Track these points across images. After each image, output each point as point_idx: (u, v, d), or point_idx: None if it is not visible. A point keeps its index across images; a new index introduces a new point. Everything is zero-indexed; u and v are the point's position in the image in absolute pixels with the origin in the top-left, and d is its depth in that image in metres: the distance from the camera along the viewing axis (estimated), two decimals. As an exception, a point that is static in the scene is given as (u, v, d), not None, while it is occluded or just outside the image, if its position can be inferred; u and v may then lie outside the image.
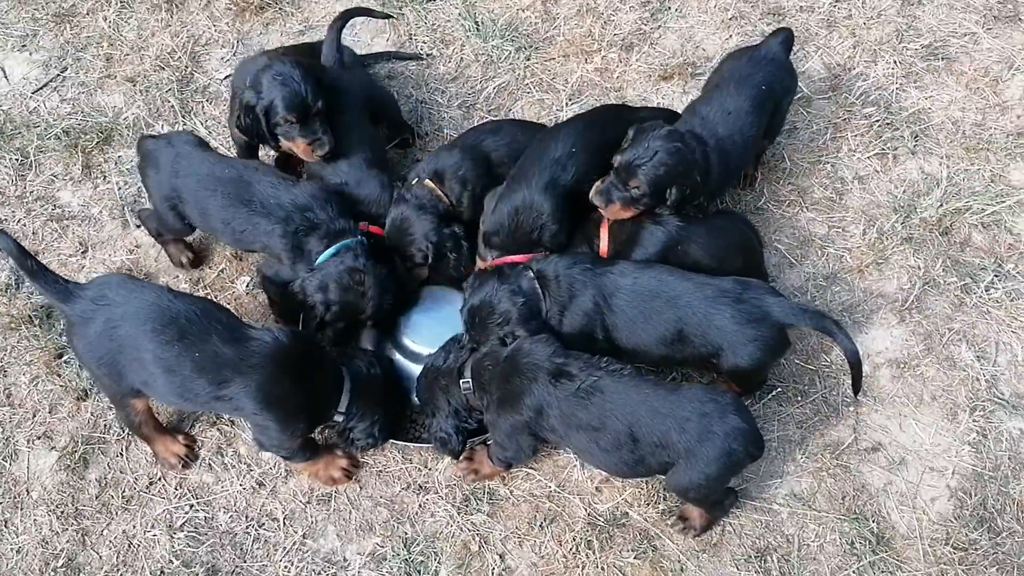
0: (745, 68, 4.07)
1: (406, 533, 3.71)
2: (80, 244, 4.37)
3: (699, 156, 3.78)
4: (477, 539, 3.69)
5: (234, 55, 4.93)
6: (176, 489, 3.81)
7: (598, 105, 4.56)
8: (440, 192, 4.05)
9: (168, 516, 3.76)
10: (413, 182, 4.09)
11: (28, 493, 3.81)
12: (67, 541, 3.71)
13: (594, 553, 3.64)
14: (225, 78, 4.83)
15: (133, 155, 4.32)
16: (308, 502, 3.78)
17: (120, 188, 4.51)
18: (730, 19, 4.96)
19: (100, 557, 3.69)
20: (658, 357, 3.75)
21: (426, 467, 3.84)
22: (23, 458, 3.88)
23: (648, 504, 3.74)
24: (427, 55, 4.91)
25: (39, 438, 3.92)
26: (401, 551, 3.66)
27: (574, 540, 3.66)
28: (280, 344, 3.45)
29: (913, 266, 4.22)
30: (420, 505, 3.77)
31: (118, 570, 3.67)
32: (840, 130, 4.62)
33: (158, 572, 3.66)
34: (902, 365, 4.01)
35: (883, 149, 4.55)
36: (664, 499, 3.73)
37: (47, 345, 4.07)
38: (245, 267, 4.27)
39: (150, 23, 5.03)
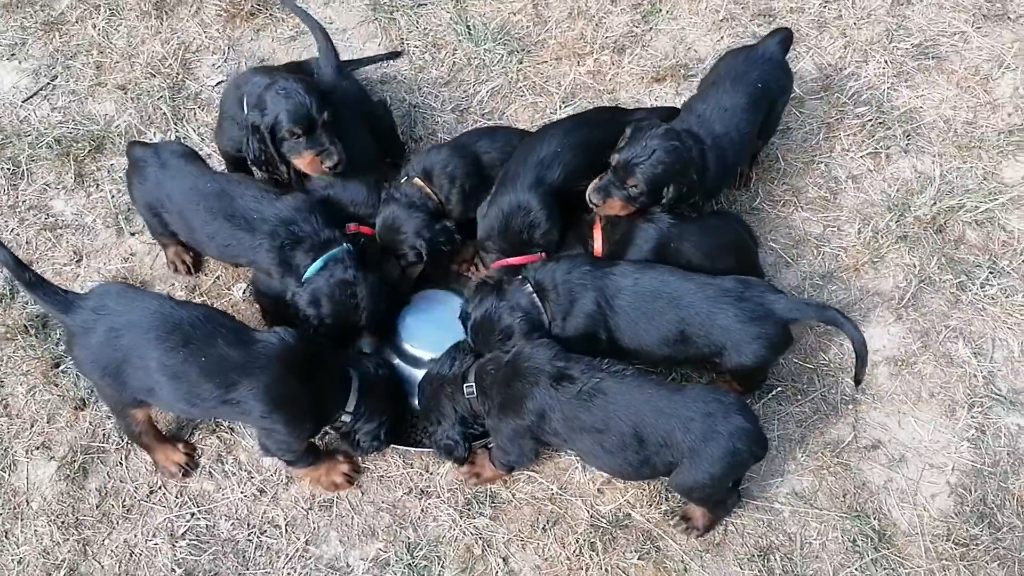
0: (742, 66, 4.10)
1: (409, 538, 3.70)
2: (74, 253, 4.35)
3: (696, 154, 3.80)
4: (480, 543, 3.68)
5: (225, 62, 4.92)
6: (177, 497, 3.79)
7: (587, 108, 4.58)
8: (429, 190, 4.05)
9: (169, 525, 3.74)
10: (402, 181, 4.09)
11: (28, 504, 3.78)
12: (68, 551, 3.68)
13: (597, 555, 3.64)
14: (217, 84, 4.82)
15: (125, 162, 4.29)
16: (310, 508, 3.77)
17: (113, 196, 4.49)
18: (721, 21, 4.98)
19: (102, 567, 3.67)
20: (661, 357, 3.76)
21: (427, 471, 3.83)
22: (22, 468, 3.86)
23: (650, 505, 3.74)
24: (402, 53, 4.91)
25: (38, 448, 3.89)
26: (404, 556, 3.65)
27: (577, 542, 3.66)
28: (286, 345, 3.45)
29: (908, 264, 4.25)
30: (422, 509, 3.76)
31: (120, 580, 3.66)
32: (833, 130, 4.64)
33: (160, 581, 3.65)
34: (900, 363, 4.03)
35: (876, 148, 4.57)
36: (666, 499, 3.74)
37: (44, 355, 4.05)
38: (241, 274, 4.25)
39: (140, 30, 5.01)
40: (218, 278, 4.27)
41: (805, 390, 3.98)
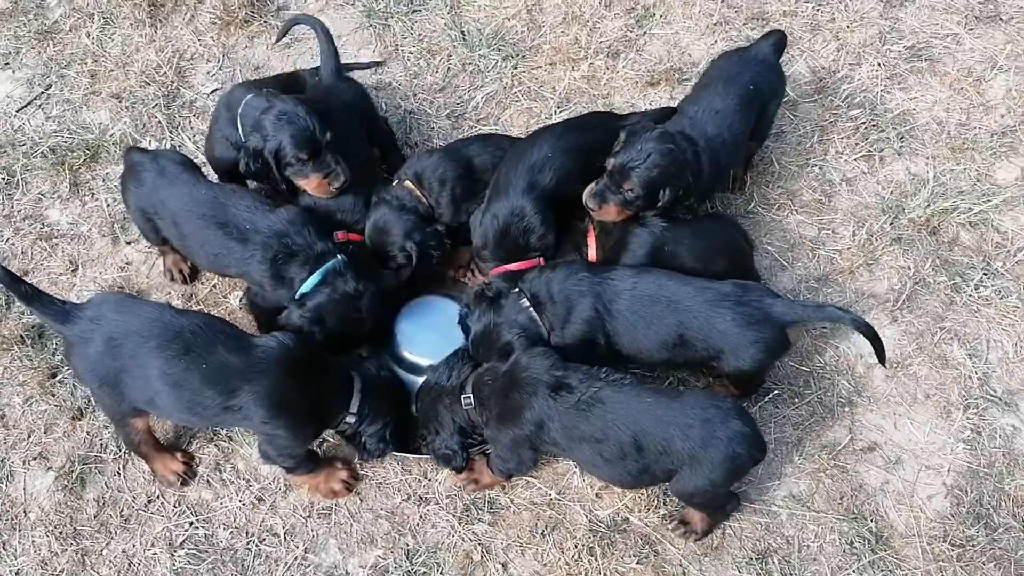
0: (734, 68, 4.12)
1: (408, 545, 3.70)
2: (70, 262, 4.35)
3: (690, 156, 3.81)
4: (479, 549, 3.68)
5: (219, 69, 4.92)
6: (175, 507, 3.79)
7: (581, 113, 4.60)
8: (420, 193, 4.06)
9: (168, 534, 3.74)
10: (393, 184, 4.10)
11: (26, 514, 3.78)
12: (67, 562, 3.68)
13: (596, 560, 3.64)
14: (212, 92, 4.83)
15: (120, 171, 4.29)
16: (308, 516, 3.77)
17: (109, 205, 4.48)
18: (715, 24, 4.99)
19: (100, 577, 3.68)
20: (660, 361, 3.78)
21: (426, 478, 3.83)
22: (19, 479, 3.85)
23: (648, 509, 3.75)
24: (384, 62, 4.92)
25: (35, 459, 3.89)
26: (403, 563, 3.66)
27: (576, 547, 3.67)
28: (286, 348, 3.46)
29: (903, 266, 4.26)
30: (421, 516, 3.76)
31: (119, 590, 3.66)
32: (827, 133, 4.65)
33: (159, 591, 3.65)
34: (895, 364, 4.04)
35: (869, 151, 4.59)
36: (664, 504, 3.74)
37: (40, 365, 4.04)
38: (238, 283, 4.24)
39: (134, 38, 5.01)
40: (214, 287, 4.27)
41: (801, 393, 3.99)
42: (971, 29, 4.94)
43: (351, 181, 3.98)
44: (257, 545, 3.71)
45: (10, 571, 3.66)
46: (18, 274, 3.59)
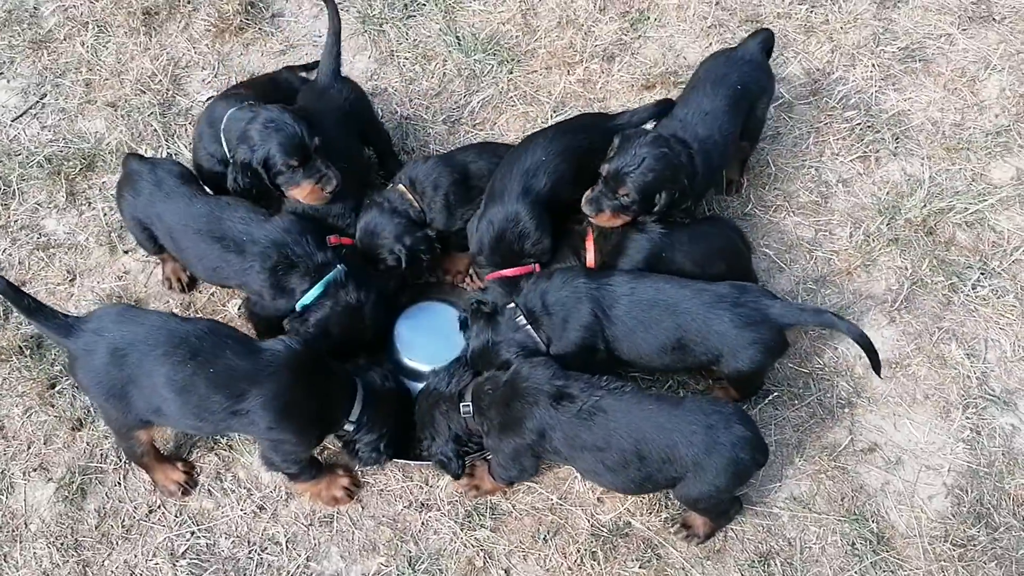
0: (721, 68, 4.13)
1: (410, 552, 3.70)
2: (68, 272, 4.34)
3: (685, 159, 3.81)
4: (481, 555, 3.68)
5: (215, 76, 4.92)
6: (176, 516, 3.78)
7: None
8: (412, 197, 4.06)
9: (169, 544, 3.73)
10: (387, 188, 4.11)
11: (27, 526, 3.77)
12: (68, 573, 3.67)
13: (599, 564, 3.65)
14: (207, 100, 4.80)
15: (117, 178, 4.28)
16: (310, 524, 3.77)
17: (106, 214, 4.47)
18: (709, 27, 5.00)
19: (102, 588, 3.68)
20: (659, 366, 3.78)
21: (427, 484, 3.83)
22: (19, 491, 3.84)
23: (651, 513, 3.75)
24: (314, 69, 4.71)
25: (35, 470, 3.88)
26: (406, 570, 3.65)
27: (578, 552, 3.67)
28: (293, 351, 3.47)
29: (900, 267, 4.27)
30: (423, 523, 3.76)
31: (121, 600, 3.65)
32: (822, 134, 4.67)
33: (162, 601, 3.65)
34: (894, 365, 4.05)
35: (865, 152, 4.60)
36: (666, 507, 3.75)
37: (39, 376, 4.03)
38: (236, 291, 4.23)
39: (128, 47, 5.01)
40: (212, 295, 4.26)
41: (801, 395, 4.00)
42: (964, 29, 4.96)
43: (342, 185, 3.95)
44: (259, 554, 3.71)
45: (12, 583, 3.67)
46: (15, 285, 3.57)
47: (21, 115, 4.82)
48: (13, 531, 3.76)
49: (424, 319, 4.13)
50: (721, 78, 4.08)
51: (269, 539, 3.74)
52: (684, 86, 4.56)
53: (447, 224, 4.12)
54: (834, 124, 4.68)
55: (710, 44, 4.92)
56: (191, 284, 4.25)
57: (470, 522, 3.75)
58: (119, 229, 4.40)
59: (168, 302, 4.24)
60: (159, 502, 3.81)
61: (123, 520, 3.78)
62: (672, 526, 3.71)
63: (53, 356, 4.09)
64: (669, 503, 3.75)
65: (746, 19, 5.00)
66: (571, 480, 3.82)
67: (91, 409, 3.96)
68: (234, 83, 4.80)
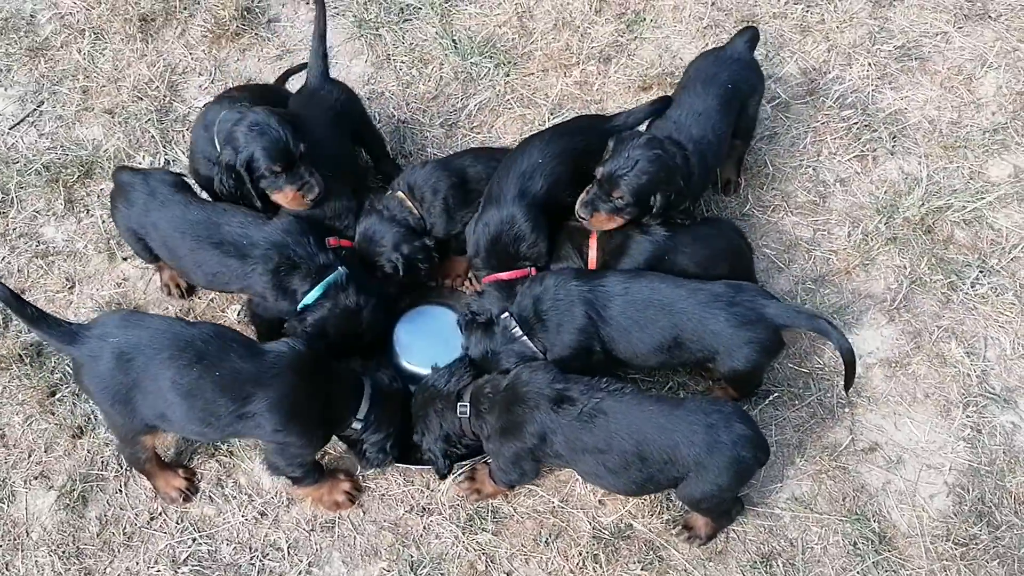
0: (711, 68, 4.15)
1: (412, 556, 3.70)
2: (67, 280, 4.34)
3: (680, 160, 3.82)
4: (483, 559, 3.68)
5: (212, 82, 4.92)
6: (178, 523, 3.78)
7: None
8: (411, 204, 4.06)
9: (171, 551, 3.73)
10: (387, 194, 4.11)
11: (28, 534, 3.77)
12: (70, 581, 3.68)
13: (601, 567, 3.65)
14: (204, 106, 4.80)
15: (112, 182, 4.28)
16: (312, 530, 3.77)
17: (104, 221, 4.46)
18: (705, 28, 5.00)
19: (105, 596, 3.67)
20: (656, 365, 3.79)
21: (428, 488, 3.83)
22: (21, 499, 3.84)
23: (652, 515, 3.75)
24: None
25: (36, 478, 3.88)
26: (408, 575, 3.65)
27: (580, 555, 3.67)
28: (298, 353, 3.47)
29: (899, 266, 4.28)
30: (424, 527, 3.76)
31: (123, 608, 3.65)
32: (819, 134, 4.67)
33: (164, 608, 3.65)
34: (894, 364, 4.06)
35: (862, 151, 4.60)
36: (668, 509, 3.75)
37: (39, 383, 4.03)
38: (236, 296, 4.24)
39: (125, 53, 5.00)
40: (211, 301, 4.26)
41: (801, 395, 4.00)
42: (960, 27, 4.96)
43: (325, 190, 3.94)
44: (261, 560, 3.71)
45: (14, 592, 3.67)
46: (16, 293, 3.57)
47: (19, 123, 4.82)
48: (15, 540, 3.76)
49: (423, 323, 4.14)
50: (711, 77, 4.10)
51: (271, 545, 3.74)
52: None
53: (447, 228, 4.12)
54: (831, 123, 4.68)
55: (706, 45, 4.91)
56: (190, 290, 4.25)
57: (472, 526, 3.75)
58: (117, 236, 4.39)
59: (167, 309, 4.24)
60: (160, 509, 3.81)
61: (124, 527, 3.78)
62: (674, 528, 3.71)
63: (53, 364, 4.09)
64: (671, 505, 3.75)
65: (742, 19, 5.00)
66: (572, 483, 3.82)
67: (91, 416, 3.96)
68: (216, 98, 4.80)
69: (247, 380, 3.36)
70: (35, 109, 4.86)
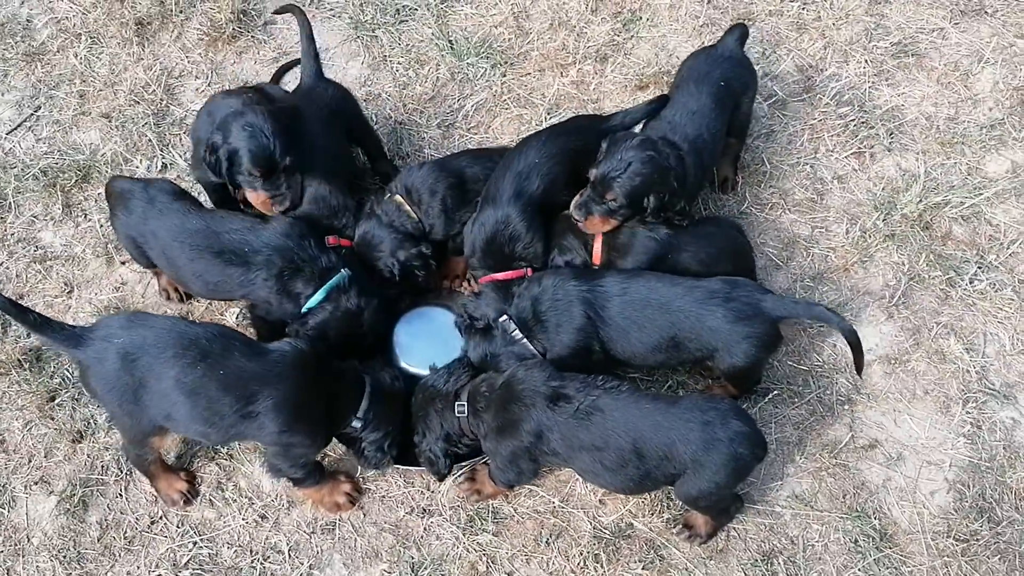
0: (703, 66, 4.15)
1: (412, 558, 3.70)
2: (65, 284, 4.33)
3: (674, 161, 3.81)
4: (484, 559, 3.68)
5: (208, 86, 4.91)
6: (178, 527, 3.78)
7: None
8: (408, 208, 4.06)
9: (172, 555, 3.73)
10: (385, 198, 4.11)
11: (29, 540, 3.77)
12: (71, 586, 3.68)
13: (602, 566, 3.65)
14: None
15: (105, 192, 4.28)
16: (312, 532, 3.77)
17: (102, 225, 4.46)
18: (701, 26, 5.00)
19: (106, 600, 3.67)
20: (655, 364, 3.80)
21: (429, 490, 3.83)
22: (21, 504, 3.84)
23: (652, 514, 3.75)
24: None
25: (36, 483, 3.88)
26: (409, 576, 3.67)
27: (581, 555, 3.67)
28: (299, 352, 3.48)
29: (897, 262, 4.28)
30: (425, 528, 3.76)
31: (125, 612, 3.65)
32: (816, 131, 4.67)
33: (165, 612, 3.65)
34: (893, 361, 4.06)
35: (860, 148, 4.60)
36: (668, 508, 3.75)
37: (39, 389, 4.03)
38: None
39: (121, 57, 5.00)
40: (210, 304, 4.26)
41: (800, 392, 4.00)
42: (956, 23, 4.96)
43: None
44: (262, 563, 3.71)
45: (15, 597, 3.67)
46: (13, 299, 3.58)
47: (16, 128, 4.81)
48: (15, 545, 3.76)
49: (422, 324, 4.13)
50: (704, 76, 4.10)
51: (271, 548, 3.74)
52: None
53: (446, 229, 4.12)
54: (828, 121, 4.68)
55: (703, 43, 4.90)
56: (188, 294, 4.24)
57: (472, 527, 3.75)
58: (115, 240, 4.39)
59: (166, 313, 4.22)
60: (161, 513, 3.81)
61: (125, 532, 3.78)
62: (674, 527, 3.71)
63: (52, 369, 4.09)
64: (671, 504, 3.75)
65: (738, 17, 4.99)
66: (572, 483, 3.82)
67: (91, 421, 3.96)
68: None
69: (251, 379, 3.36)
70: (32, 114, 4.86)
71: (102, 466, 3.89)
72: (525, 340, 3.67)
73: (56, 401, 4.03)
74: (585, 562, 3.66)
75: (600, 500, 3.79)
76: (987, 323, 4.14)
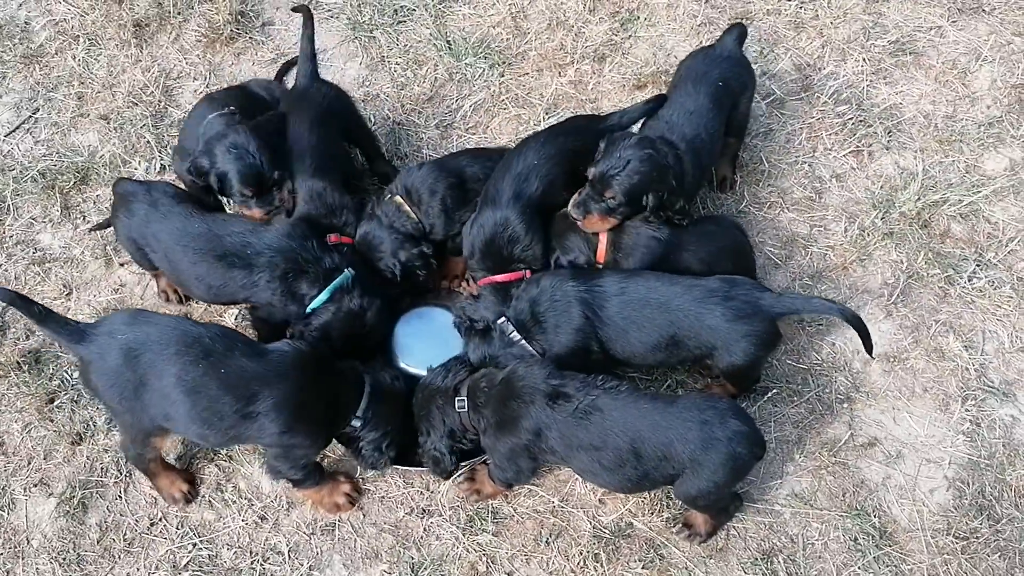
0: (701, 66, 4.15)
1: (412, 558, 3.70)
2: (64, 286, 4.34)
3: (672, 160, 3.81)
4: (484, 560, 3.68)
5: (207, 87, 4.91)
6: (178, 528, 3.78)
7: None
8: (408, 209, 4.06)
9: (172, 556, 3.73)
10: (385, 199, 4.11)
11: (28, 542, 3.77)
12: (71, 588, 3.68)
13: (601, 566, 3.65)
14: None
15: (111, 194, 4.28)
16: (312, 533, 3.77)
17: (101, 227, 4.47)
18: (699, 25, 5.00)
19: (106, 602, 3.67)
20: (654, 363, 3.80)
21: (428, 490, 3.83)
22: (21, 507, 3.84)
23: (652, 513, 3.75)
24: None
25: (36, 485, 3.88)
26: (409, 576, 3.67)
27: (581, 554, 3.67)
28: (299, 352, 3.49)
29: (896, 260, 4.28)
30: (425, 529, 3.76)
31: (125, 614, 3.65)
32: (815, 130, 4.66)
33: (165, 613, 3.65)
34: (892, 359, 4.06)
35: (858, 146, 4.60)
36: (668, 507, 3.75)
37: (38, 391, 4.03)
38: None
39: (120, 59, 5.00)
40: (209, 307, 4.26)
41: (800, 391, 4.00)
42: (954, 21, 4.96)
43: (334, 188, 4.03)
44: (261, 564, 3.71)
45: (15, 599, 3.67)
46: (22, 294, 3.56)
47: (14, 130, 4.82)
48: (15, 547, 3.76)
49: (421, 324, 4.13)
50: (702, 76, 4.10)
51: (271, 549, 3.74)
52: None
53: (446, 229, 4.12)
54: (826, 119, 4.68)
55: (701, 42, 4.91)
56: (187, 296, 4.24)
57: (472, 527, 3.75)
58: (114, 242, 4.39)
59: (165, 312, 4.22)
60: (160, 515, 3.81)
61: (125, 533, 3.78)
62: (674, 526, 3.71)
63: (51, 371, 4.09)
64: (671, 503, 3.75)
65: (736, 16, 4.99)
66: (572, 482, 3.82)
67: (90, 423, 3.97)
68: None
69: (252, 379, 3.36)
70: (30, 116, 4.86)
71: (101, 468, 3.90)
72: (523, 341, 3.67)
73: (55, 403, 4.03)
74: (585, 562, 3.66)
75: (600, 500, 3.79)
76: (986, 321, 4.14)
